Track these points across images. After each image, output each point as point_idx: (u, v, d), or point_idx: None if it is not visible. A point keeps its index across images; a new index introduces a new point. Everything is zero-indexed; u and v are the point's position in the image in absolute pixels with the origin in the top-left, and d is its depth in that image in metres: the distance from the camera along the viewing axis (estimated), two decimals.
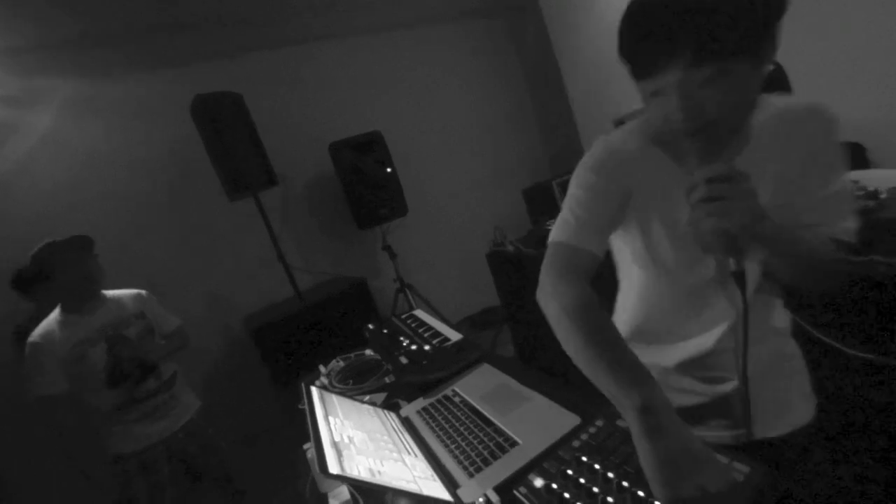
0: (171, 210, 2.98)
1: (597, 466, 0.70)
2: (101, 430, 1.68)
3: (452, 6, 3.72)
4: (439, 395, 1.16)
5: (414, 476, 0.78)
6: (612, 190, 0.80)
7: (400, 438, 0.96)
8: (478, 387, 1.15)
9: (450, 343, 1.38)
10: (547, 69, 3.72)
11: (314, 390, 0.98)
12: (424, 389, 1.21)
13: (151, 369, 1.74)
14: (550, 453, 0.79)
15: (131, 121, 2.86)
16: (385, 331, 1.61)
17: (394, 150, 3.28)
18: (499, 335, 3.35)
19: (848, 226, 0.71)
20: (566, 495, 0.67)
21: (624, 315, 0.96)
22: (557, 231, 0.82)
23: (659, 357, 0.88)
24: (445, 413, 1.07)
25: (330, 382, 1.41)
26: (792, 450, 0.84)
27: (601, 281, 0.80)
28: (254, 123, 2.70)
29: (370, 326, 1.68)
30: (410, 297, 3.30)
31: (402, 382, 1.27)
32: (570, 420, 0.89)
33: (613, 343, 0.66)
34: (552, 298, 0.74)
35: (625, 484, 0.65)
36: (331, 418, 0.87)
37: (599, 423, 0.81)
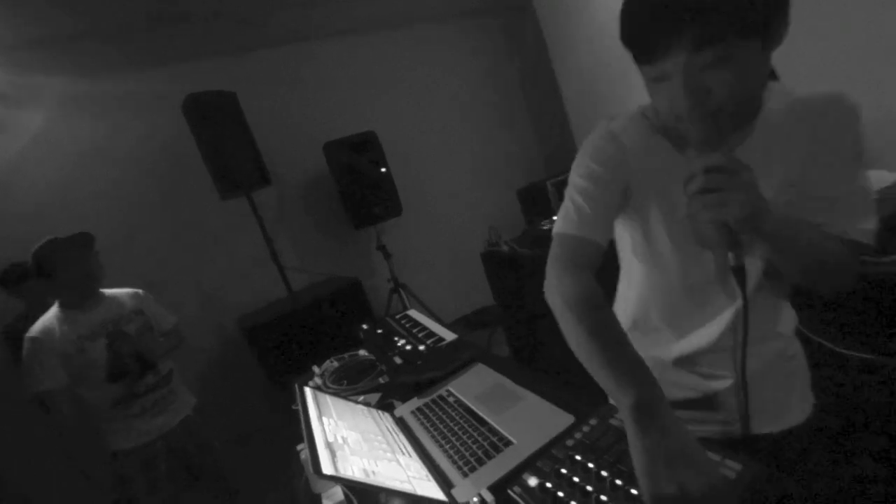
0: (164, 209, 2.96)
1: (590, 465, 0.70)
2: (101, 427, 1.68)
3: (447, 6, 3.72)
4: (434, 395, 1.16)
5: (408, 476, 0.78)
6: (613, 179, 0.78)
7: (394, 439, 0.95)
8: (472, 387, 1.15)
9: (444, 343, 1.38)
10: (541, 69, 3.73)
11: (308, 391, 0.97)
12: (419, 389, 1.21)
13: (151, 365, 1.75)
14: (544, 452, 0.79)
15: (124, 119, 2.83)
16: (379, 331, 1.61)
17: (388, 150, 3.27)
18: (493, 335, 3.35)
19: (866, 227, 0.66)
20: (560, 494, 0.67)
21: (623, 305, 0.95)
22: (560, 222, 0.80)
23: (656, 350, 0.87)
24: (440, 413, 1.07)
25: (324, 383, 1.40)
26: (791, 450, 0.83)
27: (602, 268, 0.79)
28: (247, 122, 2.68)
29: (364, 326, 1.68)
30: (405, 296, 3.30)
31: (397, 383, 1.27)
32: (564, 419, 0.90)
33: (615, 339, 0.66)
34: (557, 292, 0.73)
35: (618, 482, 0.65)
36: (324, 419, 0.86)
37: (593, 421, 0.81)
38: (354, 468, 0.71)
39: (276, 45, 3.27)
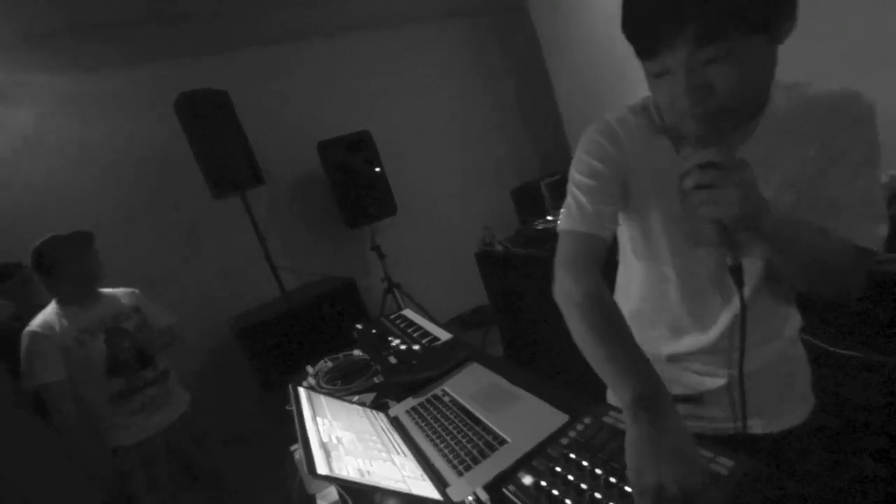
0: (156, 208, 2.93)
1: (585, 463, 0.71)
2: (100, 425, 1.68)
3: (440, 6, 3.72)
4: (428, 395, 1.16)
5: (403, 476, 0.78)
6: (613, 175, 0.78)
7: (389, 438, 0.95)
8: (467, 386, 1.15)
9: (439, 343, 1.38)
10: (535, 69, 3.73)
11: (302, 391, 0.97)
12: (413, 389, 1.21)
13: (150, 360, 1.78)
14: (539, 451, 0.80)
15: (114, 117, 2.80)
16: (374, 331, 1.60)
17: (382, 150, 3.26)
18: (488, 335, 3.35)
19: (875, 233, 0.63)
20: (555, 492, 0.67)
21: (621, 299, 0.94)
22: (564, 219, 0.81)
23: (651, 346, 0.86)
24: (434, 412, 1.07)
25: (318, 383, 1.40)
26: (791, 450, 0.82)
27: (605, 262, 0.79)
28: (240, 121, 2.66)
29: (359, 326, 1.67)
30: (399, 296, 3.30)
31: (391, 382, 1.27)
32: (559, 418, 0.90)
33: (618, 335, 0.66)
34: (563, 289, 0.74)
35: (612, 480, 0.65)
36: (319, 419, 0.86)
37: (587, 420, 0.81)
38: (349, 468, 0.71)
39: (269, 44, 3.25)
